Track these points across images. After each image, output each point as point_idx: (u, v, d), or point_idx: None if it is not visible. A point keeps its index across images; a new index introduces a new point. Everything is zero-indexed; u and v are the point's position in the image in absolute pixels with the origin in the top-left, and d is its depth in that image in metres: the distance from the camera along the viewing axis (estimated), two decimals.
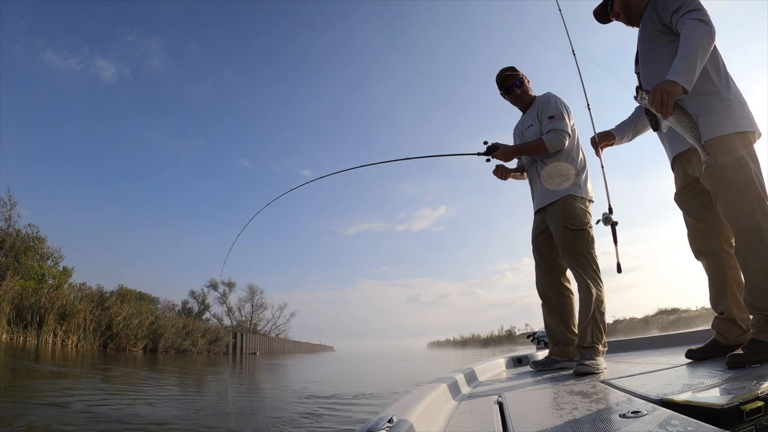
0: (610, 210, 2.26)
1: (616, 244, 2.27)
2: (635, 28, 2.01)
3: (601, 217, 2.27)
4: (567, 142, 2.37)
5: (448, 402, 1.63)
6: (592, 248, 2.29)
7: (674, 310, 34.39)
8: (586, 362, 2.01)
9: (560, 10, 2.34)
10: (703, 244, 1.92)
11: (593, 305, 2.18)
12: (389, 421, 1.02)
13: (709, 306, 1.98)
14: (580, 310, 2.24)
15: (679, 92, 1.57)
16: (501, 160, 2.55)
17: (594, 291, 2.20)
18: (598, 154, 2.34)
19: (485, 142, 2.54)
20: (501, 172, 2.63)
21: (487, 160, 2.55)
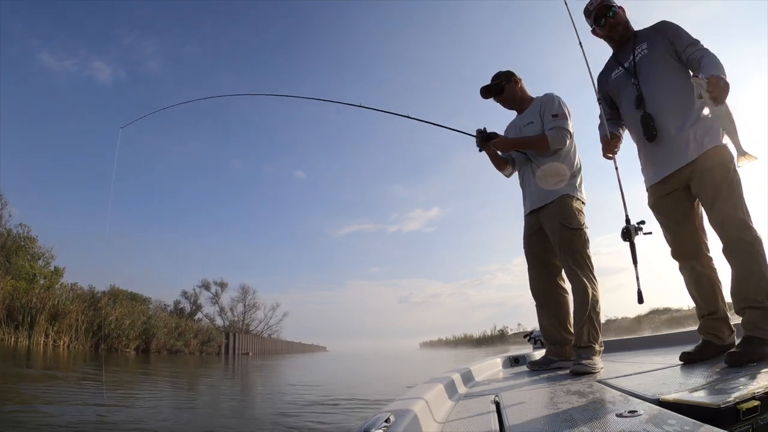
0: (628, 221, 2.04)
1: (635, 264, 2.01)
2: (607, 43, 2.18)
3: (631, 228, 2.01)
4: (568, 143, 2.37)
5: (445, 402, 1.62)
6: (588, 248, 2.30)
7: (666, 310, 34.64)
8: (583, 362, 2.01)
9: (566, 3, 2.26)
10: (686, 248, 1.98)
11: (589, 305, 2.18)
12: (386, 421, 1.01)
13: None
14: (576, 309, 2.24)
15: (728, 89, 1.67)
16: (498, 149, 2.53)
17: (590, 290, 2.20)
18: (611, 154, 2.12)
19: (484, 129, 2.50)
20: (489, 149, 2.54)
21: (485, 144, 2.51)
